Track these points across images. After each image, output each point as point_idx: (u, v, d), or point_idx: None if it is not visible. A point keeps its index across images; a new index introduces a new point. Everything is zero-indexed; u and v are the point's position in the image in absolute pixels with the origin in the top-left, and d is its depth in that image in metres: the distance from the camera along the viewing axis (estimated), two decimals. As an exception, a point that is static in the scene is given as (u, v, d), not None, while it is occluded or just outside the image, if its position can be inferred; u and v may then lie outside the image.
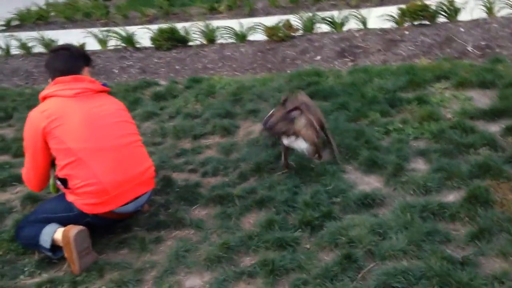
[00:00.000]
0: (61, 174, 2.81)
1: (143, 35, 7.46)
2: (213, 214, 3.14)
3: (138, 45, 7.51)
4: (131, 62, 6.90)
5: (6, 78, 7.03)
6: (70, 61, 2.97)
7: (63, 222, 2.77)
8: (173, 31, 7.02)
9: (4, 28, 11.06)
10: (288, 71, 5.79)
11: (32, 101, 5.68)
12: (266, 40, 6.77)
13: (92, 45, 7.68)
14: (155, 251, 2.82)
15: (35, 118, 2.79)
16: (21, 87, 6.58)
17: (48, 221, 2.79)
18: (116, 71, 6.70)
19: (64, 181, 2.83)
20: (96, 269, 2.63)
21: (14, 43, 8.05)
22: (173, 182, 3.54)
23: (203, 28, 7.21)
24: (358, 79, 4.89)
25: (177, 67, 6.53)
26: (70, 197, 2.80)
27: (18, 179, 3.88)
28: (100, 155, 2.76)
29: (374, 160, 3.39)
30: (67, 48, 3.08)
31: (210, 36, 7.09)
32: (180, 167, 3.83)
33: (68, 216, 2.78)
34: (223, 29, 7.13)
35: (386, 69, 5.17)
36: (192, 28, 7.25)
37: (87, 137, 2.77)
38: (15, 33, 8.57)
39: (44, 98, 2.88)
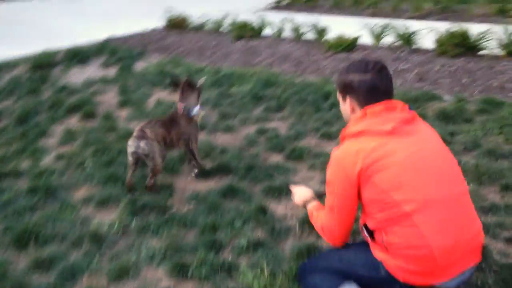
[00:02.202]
0: (372, 225, 2.22)
1: (424, 34, 6.60)
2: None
3: (415, 46, 6.68)
4: (407, 65, 6.12)
5: (277, 62, 6.96)
6: (389, 83, 2.32)
7: (362, 281, 2.21)
8: (465, 37, 5.97)
9: (275, 5, 11.37)
10: None
11: (302, 94, 5.40)
12: None
13: (364, 38, 7.14)
14: None
15: (348, 159, 2.18)
16: (291, 74, 6.39)
17: (343, 274, 2.26)
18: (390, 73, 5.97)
19: (370, 232, 2.24)
20: None
21: (287, 26, 8.01)
22: (489, 253, 2.69)
23: (501, 35, 5.98)
24: None
25: (464, 80, 5.52)
26: (379, 254, 2.20)
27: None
28: (429, 210, 2.08)
29: None
30: (384, 66, 2.40)
31: (509, 48, 5.84)
32: (494, 231, 2.91)
33: (371, 276, 2.19)
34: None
35: None
36: (483, 32, 6.09)
37: (414, 186, 2.11)
38: (285, 13, 8.51)
39: (354, 135, 2.24)
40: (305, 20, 7.97)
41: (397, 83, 5.72)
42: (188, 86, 3.74)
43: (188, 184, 3.79)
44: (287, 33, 8.01)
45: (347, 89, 2.30)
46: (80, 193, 3.71)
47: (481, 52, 6.09)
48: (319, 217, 2.43)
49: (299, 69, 6.59)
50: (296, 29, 7.76)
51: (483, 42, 6.02)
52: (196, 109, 3.76)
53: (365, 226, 2.28)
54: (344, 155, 2.19)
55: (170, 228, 3.17)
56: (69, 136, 4.75)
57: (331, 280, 2.28)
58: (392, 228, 2.14)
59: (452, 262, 2.09)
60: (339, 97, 2.38)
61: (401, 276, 2.13)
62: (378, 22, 7.43)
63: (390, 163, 2.12)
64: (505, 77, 5.36)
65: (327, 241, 2.38)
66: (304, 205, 2.65)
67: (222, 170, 3.89)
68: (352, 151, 2.16)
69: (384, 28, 6.97)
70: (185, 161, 4.03)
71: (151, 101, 5.76)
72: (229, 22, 8.92)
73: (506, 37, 5.91)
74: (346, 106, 2.34)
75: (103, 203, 3.53)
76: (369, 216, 2.23)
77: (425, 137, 2.26)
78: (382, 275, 2.17)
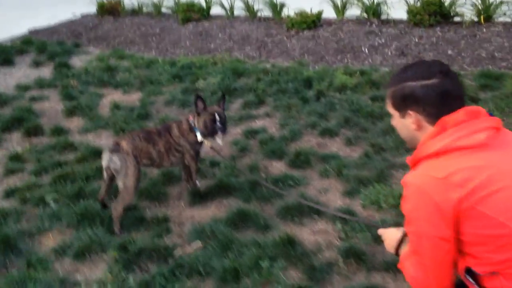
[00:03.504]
0: (483, 268, 1.70)
1: (391, 4, 6.17)
2: None
3: (384, 17, 6.24)
4: (382, 40, 5.66)
5: (236, 46, 6.28)
6: (461, 86, 1.79)
7: None
8: (440, 4, 5.58)
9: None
10: None
11: (282, 84, 4.79)
12: None
13: (326, 12, 6.60)
14: None
15: (436, 187, 1.61)
16: (255, 59, 5.75)
17: None
18: (366, 50, 5.52)
19: (475, 276, 1.73)
20: None
21: (237, 3, 7.31)
22: None
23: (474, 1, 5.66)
24: None
25: (449, 51, 5.14)
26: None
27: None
28: None
29: None
30: (448, 66, 1.86)
31: (487, 12, 5.52)
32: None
33: None
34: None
35: None
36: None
37: None
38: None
39: (436, 154, 1.70)
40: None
41: (377, 60, 5.26)
42: (206, 109, 3.11)
43: (183, 212, 3.13)
44: (238, 11, 7.30)
45: (407, 101, 1.73)
46: (49, 241, 2.94)
47: (457, 20, 5.73)
48: (409, 265, 1.86)
49: (263, 53, 5.97)
50: (249, 7, 7.07)
51: (457, 8, 5.67)
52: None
53: (469, 270, 1.75)
54: (429, 182, 1.62)
55: (180, 279, 2.52)
56: (15, 162, 3.87)
57: None
58: None
59: None
60: (393, 111, 1.81)
61: None
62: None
63: (500, 186, 1.60)
64: (491, 45, 5.04)
65: None
66: (398, 253, 2.07)
67: (220, 190, 3.25)
68: (440, 175, 1.60)
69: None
70: (180, 181, 3.38)
71: (105, 105, 4.93)
72: (170, 3, 8.05)
73: (480, 1, 5.57)
74: (406, 122, 1.78)
75: (83, 253, 2.79)
76: (477, 258, 1.70)
77: None
78: None
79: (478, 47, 5.06)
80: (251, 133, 3.97)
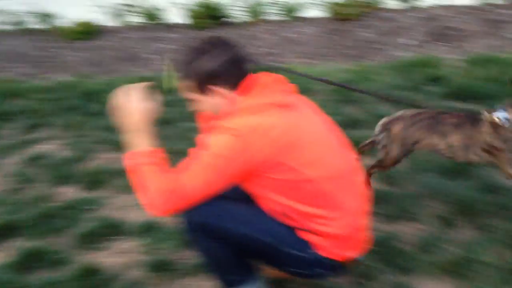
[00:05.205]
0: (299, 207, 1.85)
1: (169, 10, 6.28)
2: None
3: (159, 21, 6.31)
4: (165, 44, 5.73)
5: (8, 64, 5.67)
6: (238, 48, 1.87)
7: (289, 263, 1.87)
8: (210, 6, 5.88)
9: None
10: (377, 59, 4.89)
11: (65, 101, 4.49)
12: (329, 18, 5.79)
13: (104, 21, 6.38)
14: None
15: (255, 140, 1.69)
16: (34, 77, 5.29)
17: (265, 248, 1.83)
18: (149, 56, 5.52)
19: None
20: None
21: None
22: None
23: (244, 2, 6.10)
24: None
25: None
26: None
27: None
28: (342, 183, 1.86)
29: None
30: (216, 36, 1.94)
31: (257, 13, 6.01)
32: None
33: (299, 256, 1.85)
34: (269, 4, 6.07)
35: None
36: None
37: (326, 162, 1.83)
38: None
39: (252, 110, 1.74)
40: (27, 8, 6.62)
41: (155, 64, 5.30)
42: None
43: None
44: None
45: (211, 79, 1.77)
46: None
47: (230, 20, 6.10)
48: (165, 177, 1.71)
49: (42, 68, 5.52)
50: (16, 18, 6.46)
51: (230, 11, 6.05)
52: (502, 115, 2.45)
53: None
54: (249, 132, 1.68)
55: None
56: None
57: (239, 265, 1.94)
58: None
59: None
60: (193, 95, 1.83)
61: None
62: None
63: (302, 142, 1.77)
64: (260, 41, 5.49)
65: (148, 206, 1.72)
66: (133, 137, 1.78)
67: (5, 231, 2.88)
68: (262, 129, 1.69)
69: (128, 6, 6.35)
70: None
71: None
72: None
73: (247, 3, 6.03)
74: (213, 99, 1.81)
75: None
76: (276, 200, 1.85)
77: (314, 109, 1.97)
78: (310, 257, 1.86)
79: (250, 44, 5.46)
80: (34, 160, 3.62)
